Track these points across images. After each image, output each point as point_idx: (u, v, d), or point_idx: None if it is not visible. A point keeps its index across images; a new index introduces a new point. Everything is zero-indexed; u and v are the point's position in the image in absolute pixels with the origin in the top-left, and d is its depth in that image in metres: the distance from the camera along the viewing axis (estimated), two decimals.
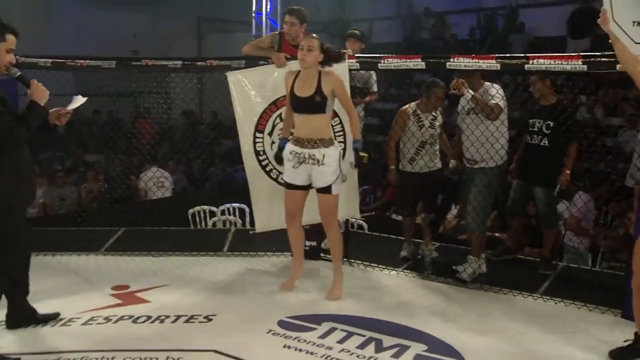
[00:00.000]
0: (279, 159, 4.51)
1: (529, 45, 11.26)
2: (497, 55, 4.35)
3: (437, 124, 5.29)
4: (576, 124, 5.10)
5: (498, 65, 4.28)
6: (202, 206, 7.12)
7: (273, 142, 5.06)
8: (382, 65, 4.69)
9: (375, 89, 5.68)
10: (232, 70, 5.05)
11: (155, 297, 4.42)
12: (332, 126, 4.67)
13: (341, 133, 4.93)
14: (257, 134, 5.07)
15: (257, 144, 5.08)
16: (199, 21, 15.09)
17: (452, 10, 13.65)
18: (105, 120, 12.27)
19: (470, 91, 4.74)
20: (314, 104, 4.22)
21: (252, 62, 5.06)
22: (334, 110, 4.46)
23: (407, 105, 5.37)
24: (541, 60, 4.13)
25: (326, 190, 4.30)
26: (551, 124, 4.96)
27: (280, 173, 5.03)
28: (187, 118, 13.02)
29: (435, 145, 5.31)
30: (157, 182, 8.53)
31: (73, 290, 4.50)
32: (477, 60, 4.32)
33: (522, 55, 4.29)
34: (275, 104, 5.03)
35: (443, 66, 4.49)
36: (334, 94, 4.23)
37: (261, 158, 5.09)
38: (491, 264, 5.12)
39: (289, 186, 4.45)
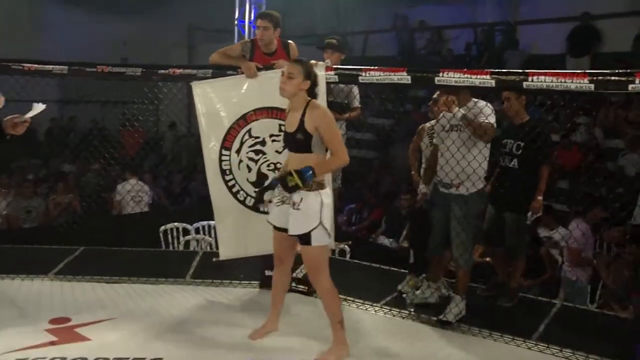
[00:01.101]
0: (259, 198, 3.93)
1: (525, 63, 10.83)
2: (491, 70, 3.85)
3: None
4: (547, 144, 4.64)
5: (493, 81, 3.78)
6: (175, 223, 6.62)
7: (241, 161, 4.56)
8: (363, 78, 4.20)
9: (356, 104, 5.16)
10: (198, 80, 4.55)
11: (96, 334, 3.88)
12: None
13: None
14: (224, 151, 4.56)
15: (224, 162, 4.57)
16: (190, 30, 14.72)
17: (449, 25, 13.22)
18: (89, 128, 11.83)
19: (461, 110, 4.24)
20: (297, 142, 3.63)
21: (220, 71, 4.56)
22: None
23: (428, 122, 4.93)
24: (542, 78, 3.62)
25: (304, 239, 3.61)
26: (522, 144, 4.53)
27: (249, 195, 4.55)
28: (171, 130, 12.57)
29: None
30: (135, 196, 8.04)
31: (3, 324, 3.95)
32: (469, 76, 3.81)
33: (521, 71, 3.77)
34: (244, 119, 4.53)
35: (431, 81, 4.00)
36: (318, 131, 3.58)
37: (227, 178, 4.58)
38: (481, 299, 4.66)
39: (273, 226, 3.86)
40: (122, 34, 13.12)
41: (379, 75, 4.12)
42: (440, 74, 3.92)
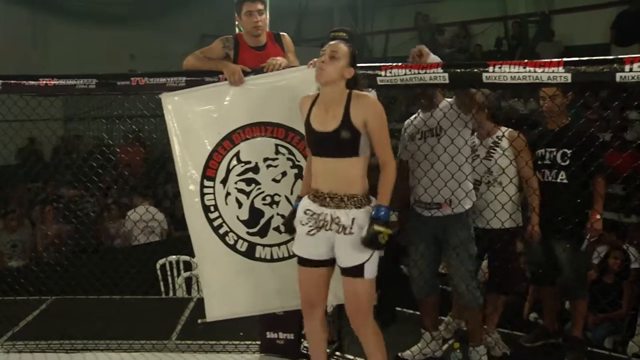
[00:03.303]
0: (290, 227, 3.08)
1: (560, 55, 9.66)
2: (535, 61, 2.80)
3: (500, 153, 3.70)
4: (599, 149, 3.62)
5: (569, 75, 2.69)
6: (173, 256, 5.65)
7: (228, 194, 3.50)
8: (383, 79, 3.10)
9: None
10: (168, 90, 3.51)
11: None
12: None
13: None
14: (206, 182, 3.50)
15: (206, 196, 3.51)
16: (202, 39, 13.81)
17: (476, 19, 12.13)
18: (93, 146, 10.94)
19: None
20: (340, 143, 2.84)
21: (196, 79, 3.52)
22: None
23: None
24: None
25: (356, 272, 2.88)
26: (568, 152, 3.63)
27: (241, 238, 3.50)
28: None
29: (497, 187, 3.72)
30: (145, 227, 7.01)
31: None
32: (533, 69, 2.70)
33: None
34: (230, 139, 3.47)
35: (476, 79, 2.90)
36: (367, 127, 2.82)
37: (212, 216, 3.52)
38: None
39: (302, 262, 3.04)
40: (130, 46, 12.35)
41: (405, 74, 3.03)
42: (491, 68, 2.82)
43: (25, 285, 4.43)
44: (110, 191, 8.35)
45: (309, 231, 2.93)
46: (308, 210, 2.94)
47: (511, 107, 8.66)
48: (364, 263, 2.85)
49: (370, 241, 2.77)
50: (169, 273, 5.59)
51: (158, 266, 5.63)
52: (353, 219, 2.83)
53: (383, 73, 3.08)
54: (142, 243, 7.07)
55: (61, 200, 8.63)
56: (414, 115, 3.71)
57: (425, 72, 2.95)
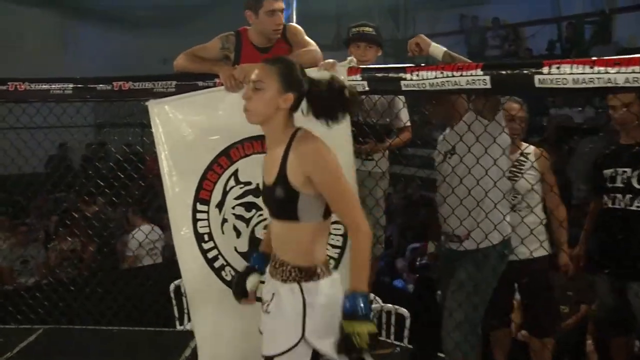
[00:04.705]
0: (240, 289, 2.38)
1: None
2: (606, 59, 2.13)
3: (527, 170, 3.09)
4: None
5: None
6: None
7: (225, 221, 2.94)
8: (407, 82, 2.49)
9: (404, 122, 3.37)
10: (156, 97, 2.98)
11: None
12: None
13: None
14: (199, 206, 2.94)
15: (199, 223, 2.95)
16: None
17: (527, 22, 11.39)
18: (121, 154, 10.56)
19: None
20: (276, 202, 2.13)
21: (187, 83, 2.97)
22: None
23: None
24: None
25: None
26: None
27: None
28: None
29: (523, 210, 3.12)
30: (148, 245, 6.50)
31: None
32: (605, 69, 2.05)
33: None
34: (227, 155, 2.91)
35: (527, 83, 2.26)
36: (313, 184, 2.06)
37: (206, 246, 2.96)
38: None
39: None
40: (162, 50, 12.03)
41: (435, 78, 2.41)
42: (546, 69, 2.18)
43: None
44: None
45: (265, 307, 2.21)
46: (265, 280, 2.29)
47: (564, 116, 7.97)
48: (273, 356, 2.09)
49: (345, 347, 1.96)
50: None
51: (172, 287, 5.12)
52: (273, 293, 2.15)
53: (408, 76, 2.48)
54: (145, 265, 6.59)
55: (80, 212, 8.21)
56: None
57: (462, 75, 2.34)
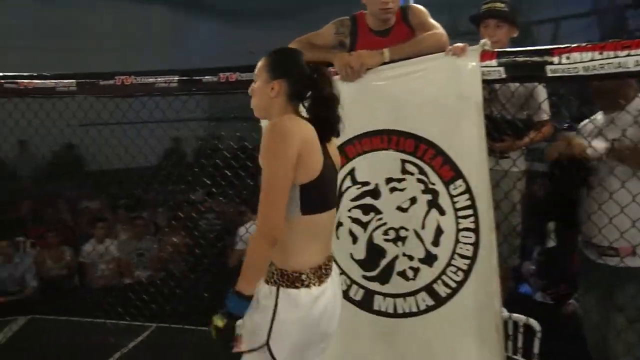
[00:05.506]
0: (226, 335, 2.04)
1: None
2: None
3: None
4: None
5: None
6: None
7: (340, 224, 2.68)
8: (555, 67, 2.10)
9: (545, 115, 2.91)
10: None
11: None
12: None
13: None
14: None
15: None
16: None
17: None
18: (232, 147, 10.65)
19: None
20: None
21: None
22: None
23: None
24: None
25: None
26: None
27: (355, 283, 2.68)
28: None
29: None
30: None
31: None
32: None
33: None
34: (342, 152, 2.63)
35: None
36: None
37: None
38: None
39: None
40: (270, 43, 12.04)
41: (592, 60, 2.00)
42: None
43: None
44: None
45: None
46: None
47: None
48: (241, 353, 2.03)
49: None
50: None
51: None
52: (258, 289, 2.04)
53: (556, 59, 2.08)
54: None
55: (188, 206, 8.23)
56: (594, 116, 2.66)
57: (629, 55, 1.91)
